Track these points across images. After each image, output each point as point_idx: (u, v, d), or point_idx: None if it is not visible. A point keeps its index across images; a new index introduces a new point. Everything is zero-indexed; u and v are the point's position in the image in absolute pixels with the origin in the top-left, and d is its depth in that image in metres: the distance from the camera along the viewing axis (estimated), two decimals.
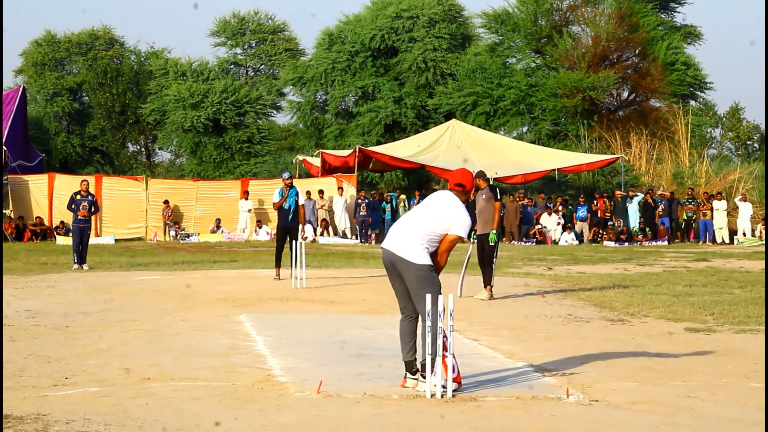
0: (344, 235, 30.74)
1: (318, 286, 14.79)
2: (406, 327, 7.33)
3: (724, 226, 30.56)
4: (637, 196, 31.52)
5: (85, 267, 18.26)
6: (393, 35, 43.83)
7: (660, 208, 30.98)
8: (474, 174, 11.58)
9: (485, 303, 13.08)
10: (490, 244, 13.41)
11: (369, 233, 30.62)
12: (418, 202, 33.54)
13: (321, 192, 30.97)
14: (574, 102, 39.43)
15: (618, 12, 40.45)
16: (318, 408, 6.63)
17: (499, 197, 13.55)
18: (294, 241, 15.22)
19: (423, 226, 7.24)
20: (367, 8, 45.57)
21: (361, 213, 30.56)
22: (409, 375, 7.26)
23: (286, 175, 16.08)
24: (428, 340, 6.97)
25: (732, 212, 31.61)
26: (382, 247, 7.40)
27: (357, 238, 30.30)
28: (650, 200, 31.19)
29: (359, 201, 30.76)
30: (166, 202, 30.78)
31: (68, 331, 10.23)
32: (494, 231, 13.42)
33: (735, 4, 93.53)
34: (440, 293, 7.08)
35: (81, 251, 18.47)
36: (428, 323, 6.96)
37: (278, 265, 15.70)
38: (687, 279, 16.55)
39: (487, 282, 13.52)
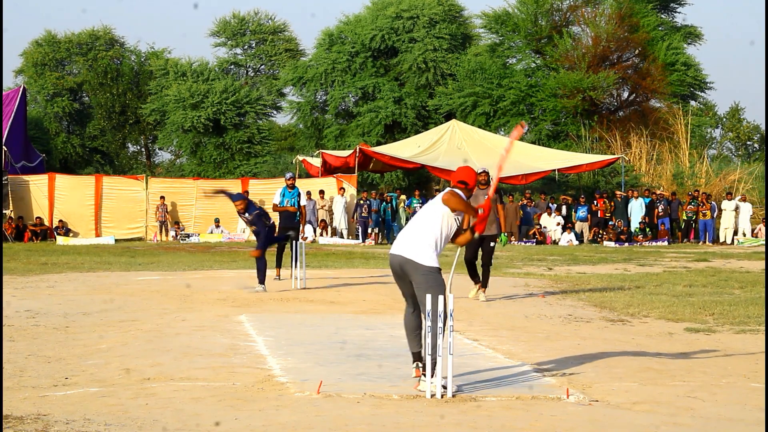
0: (342, 236, 30.72)
1: (318, 286, 14.79)
2: (412, 321, 7.36)
3: (730, 226, 30.55)
4: (639, 198, 31.42)
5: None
6: (393, 35, 43.83)
7: (659, 208, 30.98)
8: (478, 171, 11.58)
9: (485, 303, 13.08)
10: (503, 245, 13.47)
11: (369, 233, 30.60)
12: (420, 203, 32.71)
13: (322, 192, 30.95)
14: (574, 102, 39.42)
15: (618, 12, 40.44)
16: (318, 408, 6.63)
17: (502, 200, 13.55)
18: (294, 242, 15.22)
19: (431, 225, 7.26)
20: (367, 8, 45.58)
21: (363, 214, 30.50)
22: (419, 363, 7.26)
23: (288, 175, 16.06)
24: (428, 341, 6.98)
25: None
26: (390, 253, 7.39)
27: (359, 239, 30.25)
28: (655, 199, 31.25)
29: (361, 202, 30.67)
30: (162, 198, 30.67)
31: (68, 331, 10.23)
32: (504, 234, 13.66)
33: (735, 4, 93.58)
34: (443, 295, 7.09)
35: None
36: (428, 323, 6.97)
37: (279, 265, 15.70)
38: (687, 279, 16.55)
39: (484, 284, 13.48)
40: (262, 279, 14.18)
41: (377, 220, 30.87)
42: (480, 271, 13.49)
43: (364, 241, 29.86)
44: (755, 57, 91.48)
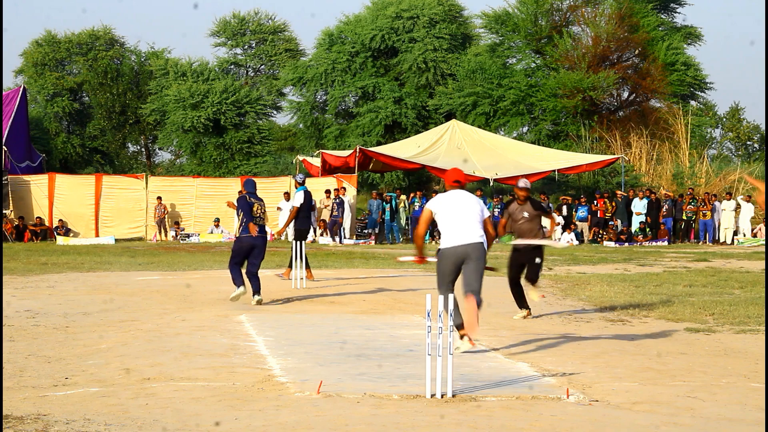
0: (344, 235, 30.67)
1: (318, 286, 14.79)
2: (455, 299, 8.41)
3: (730, 226, 30.53)
4: (644, 198, 31.36)
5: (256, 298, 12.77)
6: (393, 35, 43.82)
7: (664, 208, 30.95)
8: (520, 185, 11.41)
9: (485, 304, 12.94)
10: (505, 242, 11.60)
11: (369, 233, 30.56)
12: (420, 203, 32.71)
13: (328, 192, 30.73)
14: (574, 102, 39.41)
15: (618, 12, 40.44)
16: (318, 408, 6.63)
17: (546, 210, 11.94)
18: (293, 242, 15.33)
19: (477, 218, 8.63)
20: (367, 8, 45.57)
21: (333, 213, 30.35)
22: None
23: (298, 177, 16.72)
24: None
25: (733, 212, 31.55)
26: (465, 243, 8.47)
27: (333, 238, 30.13)
28: (654, 200, 31.22)
29: (328, 201, 30.50)
30: (159, 198, 30.61)
31: (68, 331, 10.23)
32: (511, 233, 11.68)
33: (735, 4, 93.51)
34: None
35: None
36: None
37: (291, 266, 15.85)
38: (687, 279, 16.55)
39: (534, 282, 11.69)
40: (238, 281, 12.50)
41: (373, 220, 30.76)
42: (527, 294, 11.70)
43: (341, 242, 29.57)
44: (755, 57, 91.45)
